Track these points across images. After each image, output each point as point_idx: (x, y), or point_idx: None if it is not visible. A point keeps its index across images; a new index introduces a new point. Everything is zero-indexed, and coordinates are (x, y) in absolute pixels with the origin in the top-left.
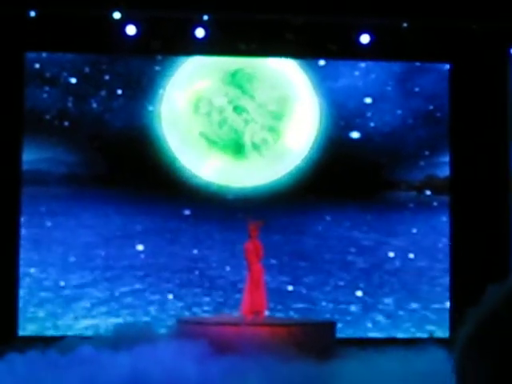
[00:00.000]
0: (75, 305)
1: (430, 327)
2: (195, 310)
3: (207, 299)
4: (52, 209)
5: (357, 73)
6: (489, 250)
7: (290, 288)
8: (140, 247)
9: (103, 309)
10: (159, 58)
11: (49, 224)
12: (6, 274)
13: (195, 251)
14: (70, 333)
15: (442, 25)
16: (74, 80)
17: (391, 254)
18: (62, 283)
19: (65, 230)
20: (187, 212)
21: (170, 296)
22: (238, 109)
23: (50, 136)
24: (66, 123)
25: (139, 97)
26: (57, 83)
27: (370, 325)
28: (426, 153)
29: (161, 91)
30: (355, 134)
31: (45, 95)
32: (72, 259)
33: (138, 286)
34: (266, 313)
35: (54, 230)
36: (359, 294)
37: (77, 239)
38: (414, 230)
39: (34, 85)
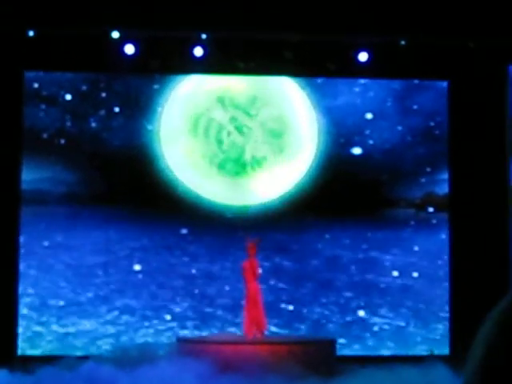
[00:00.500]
0: (74, 324)
1: (431, 345)
2: (194, 328)
3: (207, 318)
4: (52, 228)
5: (356, 90)
6: (489, 267)
7: (291, 307)
8: (137, 267)
9: (101, 328)
10: (158, 76)
11: (48, 243)
12: (6, 293)
13: (193, 270)
14: (69, 352)
15: (440, 42)
16: (72, 99)
17: (392, 272)
18: (61, 302)
19: (64, 249)
20: (185, 231)
21: (168, 317)
22: (237, 127)
23: (49, 155)
24: (65, 142)
25: (138, 115)
26: (55, 102)
27: (370, 343)
28: (426, 170)
29: (159, 110)
30: (354, 152)
31: (43, 114)
32: (71, 278)
33: (136, 304)
34: (266, 331)
35: (54, 249)
36: (361, 313)
37: (76, 258)
38: (414, 248)
39: (33, 104)
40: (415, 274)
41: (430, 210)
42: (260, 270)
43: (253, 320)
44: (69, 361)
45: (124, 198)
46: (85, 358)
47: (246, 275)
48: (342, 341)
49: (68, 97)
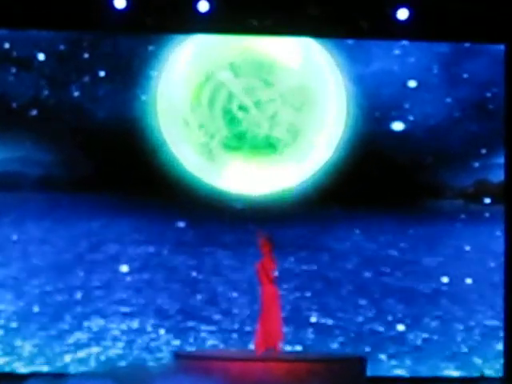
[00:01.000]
0: (44, 334)
1: (481, 364)
2: (195, 342)
3: (211, 330)
4: (23, 218)
5: (393, 55)
6: None
7: (313, 319)
8: (125, 268)
9: (80, 339)
10: (153, 36)
11: (18, 237)
12: None
13: (194, 273)
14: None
15: None
16: (49, 62)
17: (437, 278)
18: (36, 309)
19: (38, 243)
20: (183, 224)
21: (162, 331)
22: (249, 99)
23: (21, 129)
24: (40, 114)
25: (129, 83)
26: (29, 65)
27: (408, 362)
28: (478, 152)
29: (155, 76)
30: (391, 129)
31: (14, 79)
32: (46, 278)
33: (124, 312)
34: (281, 345)
35: (25, 244)
36: (400, 327)
37: (52, 254)
38: (462, 247)
39: (2, 67)
40: (462, 279)
41: (485, 201)
42: (276, 272)
43: (266, 331)
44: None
45: (112, 182)
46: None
47: (260, 277)
48: (372, 359)
49: (44, 59)
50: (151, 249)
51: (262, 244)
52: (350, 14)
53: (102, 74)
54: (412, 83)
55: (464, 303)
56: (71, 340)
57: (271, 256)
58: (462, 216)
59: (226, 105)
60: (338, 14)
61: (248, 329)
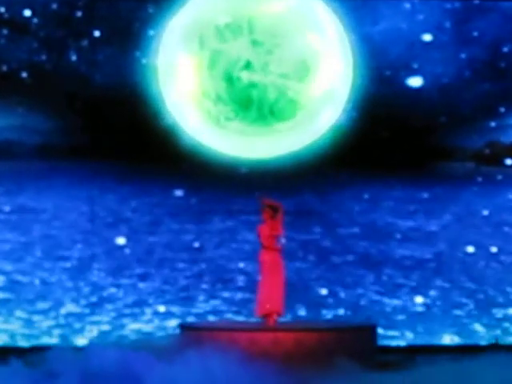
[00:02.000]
0: (42, 307)
1: (497, 332)
2: (199, 313)
3: (215, 300)
4: (22, 187)
5: (401, 12)
6: None
7: (323, 290)
8: (121, 240)
9: (77, 311)
10: None
11: (17, 206)
12: None
13: (197, 244)
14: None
15: None
16: (42, 23)
17: (447, 245)
18: (38, 279)
19: (37, 213)
20: (185, 190)
21: (162, 308)
22: (254, 61)
23: (18, 97)
24: (39, 80)
25: (129, 46)
26: (26, 30)
27: (421, 330)
28: (489, 113)
29: (156, 39)
30: (399, 90)
31: (4, 41)
32: (42, 251)
33: (127, 283)
34: (283, 314)
35: (24, 214)
36: (408, 293)
37: (52, 225)
38: (475, 212)
39: None
40: (475, 247)
41: (493, 163)
42: (282, 239)
43: (267, 299)
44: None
45: (112, 150)
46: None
47: (263, 242)
48: (385, 330)
49: (37, 20)
50: (153, 216)
51: (263, 209)
52: None
53: (99, 36)
54: (421, 42)
55: (473, 267)
56: (64, 311)
57: (274, 222)
58: (471, 179)
59: (229, 70)
60: None
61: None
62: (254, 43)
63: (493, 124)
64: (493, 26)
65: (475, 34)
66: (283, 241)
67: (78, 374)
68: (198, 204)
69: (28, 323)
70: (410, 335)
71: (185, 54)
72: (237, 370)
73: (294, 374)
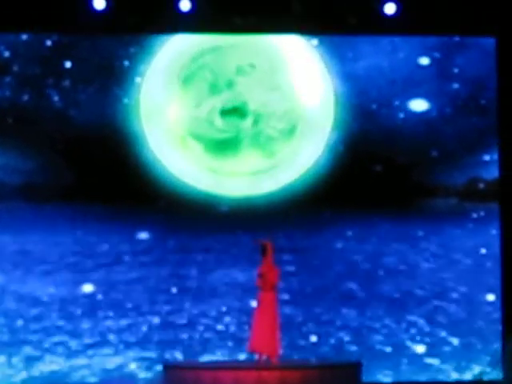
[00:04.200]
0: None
1: (478, 367)
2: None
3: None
4: (2, 228)
5: (381, 50)
6: None
7: (304, 326)
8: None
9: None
10: (135, 37)
11: None
12: None
13: (175, 290)
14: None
15: None
16: (28, 66)
17: (432, 281)
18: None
19: (16, 254)
20: (167, 229)
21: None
22: (233, 100)
23: (1, 137)
24: (20, 121)
25: (111, 86)
26: (7, 70)
27: (404, 366)
28: (470, 149)
29: (138, 79)
30: (380, 128)
31: None
32: (23, 291)
33: (108, 325)
34: (278, 354)
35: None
36: (388, 325)
37: (33, 266)
38: (457, 247)
39: None
40: (457, 281)
41: (475, 199)
42: (278, 279)
43: (263, 338)
44: None
45: (95, 189)
46: None
47: (262, 283)
48: (367, 365)
49: (23, 64)
50: (136, 254)
51: (263, 249)
52: (336, 9)
53: (82, 77)
54: (402, 79)
55: (455, 302)
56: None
57: (272, 262)
58: (454, 216)
59: (211, 110)
60: (323, 10)
61: (237, 335)
62: (234, 82)
63: (475, 160)
64: (473, 62)
65: (456, 70)
66: (278, 280)
67: None
68: (176, 242)
69: None
70: (395, 372)
71: (166, 93)
72: None
73: None
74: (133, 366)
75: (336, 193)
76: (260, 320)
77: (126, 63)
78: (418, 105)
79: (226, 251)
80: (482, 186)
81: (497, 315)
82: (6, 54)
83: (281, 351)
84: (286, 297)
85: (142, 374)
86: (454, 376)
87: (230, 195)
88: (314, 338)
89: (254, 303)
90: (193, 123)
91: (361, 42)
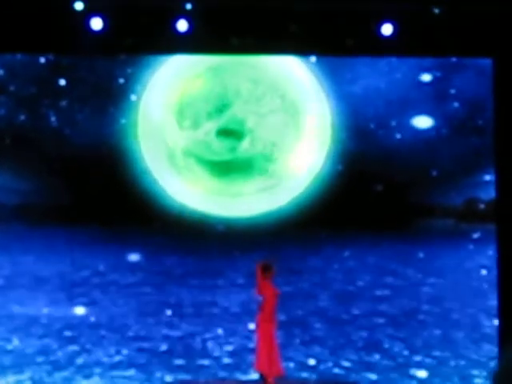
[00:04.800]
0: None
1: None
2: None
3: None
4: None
5: (379, 71)
6: None
7: (303, 349)
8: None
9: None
10: (132, 57)
11: None
12: None
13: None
14: None
15: (483, 10)
16: (25, 86)
17: (429, 301)
18: (9, 346)
19: (13, 277)
20: (168, 252)
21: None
22: (232, 119)
23: None
24: (17, 142)
25: (108, 107)
26: (3, 90)
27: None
28: (466, 171)
29: (135, 99)
30: (377, 149)
31: None
32: (16, 316)
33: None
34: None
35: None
36: (387, 349)
37: (30, 289)
38: (453, 268)
39: None
40: (453, 303)
41: (472, 220)
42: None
43: (265, 362)
44: None
45: (93, 210)
46: None
47: (263, 304)
48: None
49: (19, 83)
50: (135, 277)
51: (264, 269)
52: (333, 31)
53: (79, 98)
54: (399, 100)
55: (453, 324)
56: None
57: (265, 282)
58: (451, 236)
59: (210, 126)
60: (320, 31)
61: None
62: (232, 101)
63: (472, 181)
64: (470, 83)
65: (453, 91)
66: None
67: None
68: (173, 263)
69: None
70: None
71: (164, 114)
72: None
73: None
74: None
75: (332, 213)
76: (262, 341)
77: (123, 83)
78: (416, 125)
79: (222, 272)
80: (479, 206)
81: (494, 336)
82: (2, 73)
83: (283, 371)
84: (282, 318)
85: None
86: None
87: (226, 216)
88: (312, 362)
89: (252, 325)
90: (190, 144)
91: (358, 63)
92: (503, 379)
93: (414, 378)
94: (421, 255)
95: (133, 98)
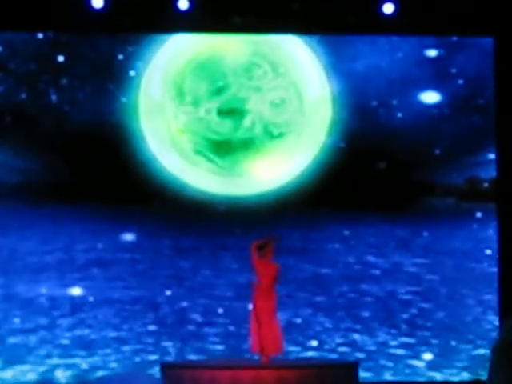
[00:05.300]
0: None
1: (477, 370)
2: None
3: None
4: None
5: (380, 50)
6: None
7: (300, 322)
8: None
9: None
10: (133, 36)
11: None
12: None
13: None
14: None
15: None
16: (24, 64)
17: (426, 280)
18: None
19: (15, 253)
20: (167, 229)
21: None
22: (234, 98)
23: None
24: (18, 119)
25: (109, 85)
26: (3, 69)
27: (407, 371)
28: (467, 150)
29: (136, 77)
30: (378, 127)
31: None
32: (17, 291)
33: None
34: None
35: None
36: (387, 330)
37: (30, 265)
38: (453, 248)
39: None
40: (455, 283)
41: (473, 199)
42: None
43: (265, 339)
44: None
45: (93, 188)
46: None
47: (261, 281)
48: (367, 367)
49: (19, 61)
50: (135, 255)
51: (262, 246)
52: (334, 9)
53: (79, 75)
54: (400, 78)
55: (454, 305)
56: (43, 352)
57: (264, 259)
58: (451, 216)
59: (209, 110)
60: (321, 9)
61: (234, 335)
62: (232, 82)
63: (473, 160)
64: (472, 62)
65: (454, 70)
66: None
67: None
68: (173, 242)
69: None
70: (391, 372)
71: (165, 93)
72: None
73: None
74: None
75: (334, 193)
76: (258, 321)
77: (125, 62)
78: (418, 102)
79: (222, 250)
80: (480, 185)
81: (494, 314)
82: (2, 51)
83: (284, 348)
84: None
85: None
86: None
87: (227, 194)
88: (314, 343)
89: (250, 304)
90: (191, 123)
91: (359, 41)
92: (503, 352)
93: (421, 359)
94: (425, 234)
95: (131, 73)
